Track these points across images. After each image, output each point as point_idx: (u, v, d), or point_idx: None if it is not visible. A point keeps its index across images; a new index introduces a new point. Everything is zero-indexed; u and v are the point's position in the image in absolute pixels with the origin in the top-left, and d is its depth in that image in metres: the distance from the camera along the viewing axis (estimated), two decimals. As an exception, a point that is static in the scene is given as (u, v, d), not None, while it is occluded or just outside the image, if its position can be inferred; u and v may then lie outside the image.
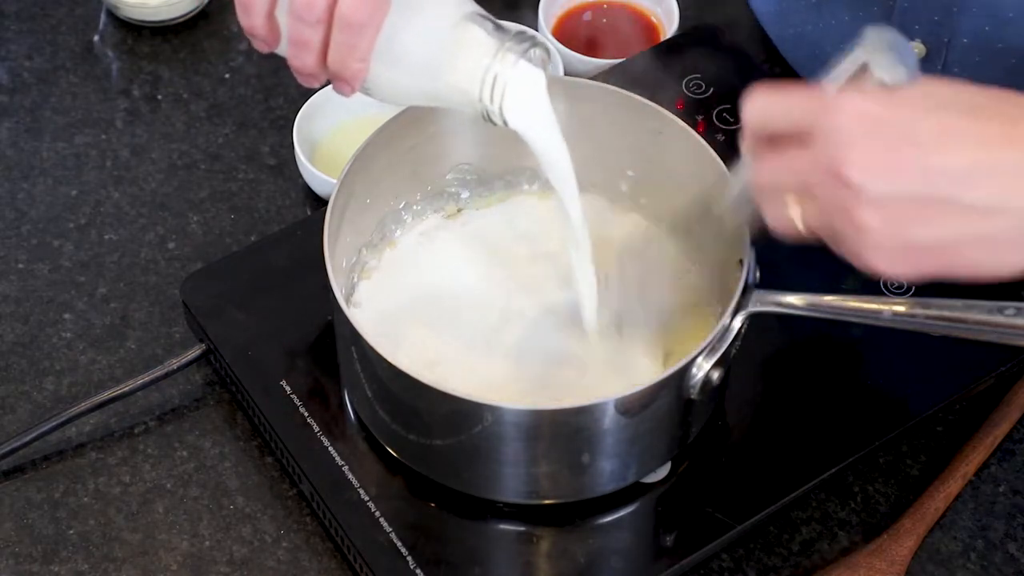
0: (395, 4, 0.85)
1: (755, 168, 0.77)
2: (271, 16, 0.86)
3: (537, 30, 1.21)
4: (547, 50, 0.90)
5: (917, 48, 1.02)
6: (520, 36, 0.88)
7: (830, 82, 0.76)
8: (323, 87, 1.14)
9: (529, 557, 0.96)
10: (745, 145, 0.79)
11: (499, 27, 0.88)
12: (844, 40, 1.07)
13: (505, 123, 0.89)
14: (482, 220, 1.05)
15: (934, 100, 0.72)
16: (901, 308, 0.86)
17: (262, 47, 0.88)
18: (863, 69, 0.75)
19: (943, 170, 0.70)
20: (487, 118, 0.89)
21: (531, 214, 1.05)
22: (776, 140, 0.76)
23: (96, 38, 1.26)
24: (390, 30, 0.86)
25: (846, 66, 0.76)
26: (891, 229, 0.71)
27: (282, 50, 0.89)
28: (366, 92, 0.89)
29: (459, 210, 1.06)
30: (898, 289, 1.03)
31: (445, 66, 0.87)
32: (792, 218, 0.75)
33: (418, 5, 0.87)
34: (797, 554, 0.98)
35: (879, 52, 0.75)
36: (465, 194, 1.06)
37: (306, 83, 0.88)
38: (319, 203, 1.15)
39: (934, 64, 1.04)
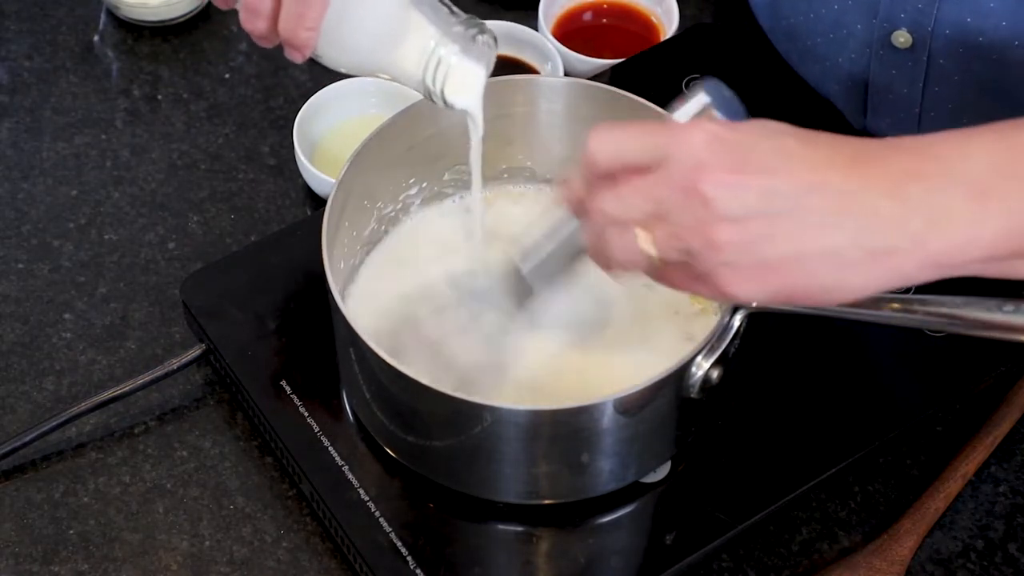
0: None
1: (598, 203, 0.78)
2: None
3: (537, 30, 1.21)
4: (494, 36, 0.91)
5: (903, 38, 1.03)
6: (468, 22, 0.90)
7: (674, 118, 0.81)
8: (323, 87, 1.15)
9: (529, 557, 0.96)
10: (571, 190, 0.80)
11: (451, 10, 0.90)
12: (834, 31, 1.08)
13: (445, 104, 0.91)
14: (482, 220, 1.05)
15: (769, 129, 0.76)
16: (900, 305, 0.86)
17: (220, 4, 0.93)
18: (705, 110, 0.81)
19: (785, 186, 0.74)
20: (428, 98, 0.91)
21: (529, 214, 1.05)
22: (613, 178, 0.78)
23: (96, 38, 1.26)
24: (340, 2, 0.87)
25: (690, 106, 0.81)
26: (743, 246, 0.74)
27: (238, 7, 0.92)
28: (317, 59, 0.92)
29: (458, 209, 1.06)
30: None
31: (392, 43, 0.90)
32: (642, 248, 0.77)
33: None
34: (797, 554, 0.98)
35: (717, 97, 0.81)
36: (463, 194, 1.06)
37: (261, 44, 0.92)
38: (319, 203, 1.15)
39: (919, 55, 1.04)
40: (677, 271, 0.77)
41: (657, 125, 0.78)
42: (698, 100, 0.81)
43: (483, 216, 1.00)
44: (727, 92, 0.81)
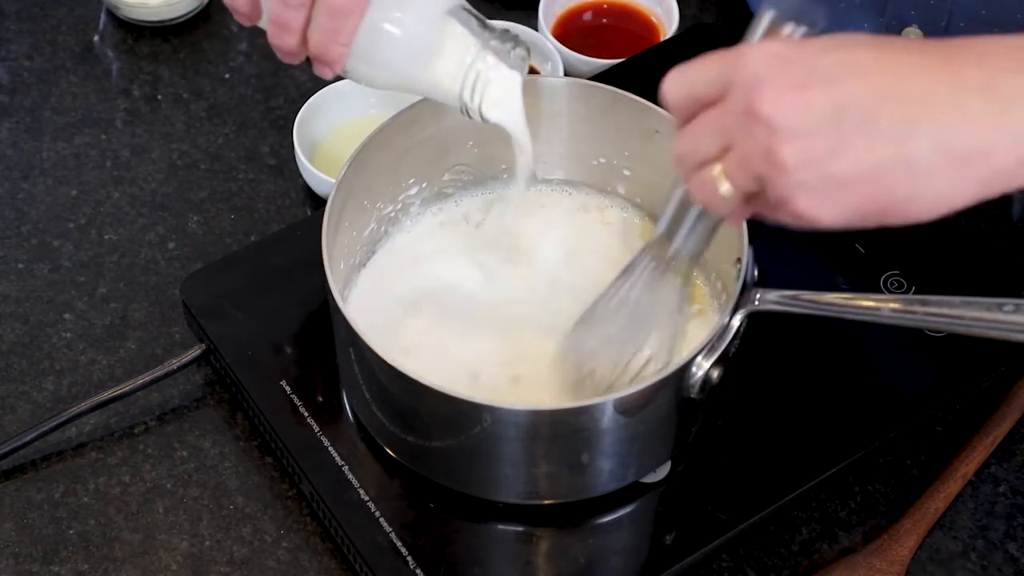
0: None
1: (676, 143, 0.77)
2: None
3: (537, 30, 1.21)
4: (527, 49, 0.91)
5: (913, 36, 1.02)
6: (503, 35, 0.89)
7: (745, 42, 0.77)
8: (323, 87, 1.15)
9: (529, 557, 0.96)
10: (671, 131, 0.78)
11: (483, 24, 0.89)
12: (840, 27, 1.08)
13: (483, 118, 0.91)
14: (480, 220, 1.05)
15: (840, 40, 0.72)
16: (900, 305, 0.86)
17: (243, 21, 0.90)
18: (775, 26, 0.77)
19: (853, 98, 0.70)
20: (465, 112, 0.91)
21: (530, 213, 1.05)
22: (696, 113, 0.76)
23: (96, 38, 1.26)
24: (374, 18, 0.87)
25: (759, 26, 0.77)
26: (811, 164, 0.71)
27: (264, 24, 0.90)
28: (345, 75, 0.91)
29: (457, 210, 1.06)
30: (897, 287, 1.04)
31: (426, 60, 0.88)
32: (718, 183, 0.75)
33: (390, 10, 0.87)
34: (797, 554, 0.98)
35: (786, 9, 0.76)
36: (463, 194, 1.06)
37: (286, 60, 0.90)
38: (319, 203, 1.15)
39: None
40: (759, 202, 0.74)
41: (720, 54, 0.75)
42: (765, 17, 0.77)
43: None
44: (801, 2, 0.77)
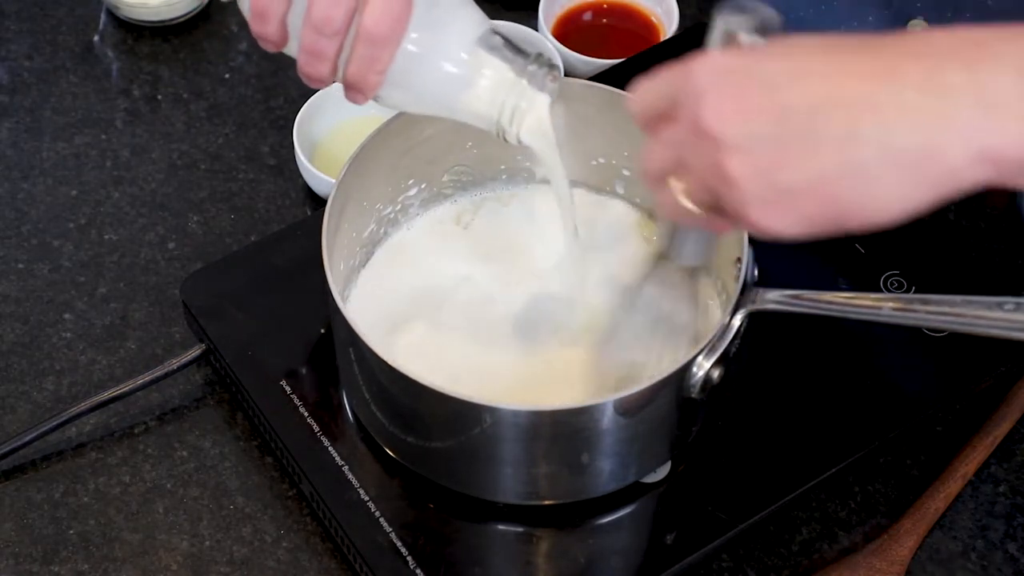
0: (413, 20, 0.85)
1: (642, 158, 0.76)
2: (283, 22, 0.87)
3: (537, 30, 1.21)
4: (560, 71, 0.91)
5: (920, 27, 1.01)
6: (539, 60, 0.89)
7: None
8: (323, 88, 1.15)
9: (529, 557, 0.96)
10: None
11: (517, 49, 0.89)
12: (845, 23, 1.07)
13: (519, 142, 0.91)
14: (480, 220, 1.05)
15: (787, 47, 0.71)
16: (900, 304, 0.86)
17: (269, 48, 0.89)
18: (730, 38, 0.75)
19: (794, 106, 0.69)
20: (502, 138, 0.91)
21: (528, 213, 1.05)
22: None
23: (96, 38, 1.26)
24: (408, 46, 0.86)
25: (714, 36, 0.76)
26: (758, 176, 0.70)
27: (290, 50, 0.89)
28: (376, 101, 0.90)
29: (456, 210, 1.06)
30: (897, 287, 1.04)
31: (461, 88, 0.89)
32: (679, 198, 0.74)
33: (437, 23, 0.87)
34: (797, 554, 0.98)
35: (739, 16, 0.75)
36: (462, 195, 1.06)
37: (313, 86, 0.90)
38: (319, 203, 1.15)
39: None
40: (719, 216, 0.74)
41: (673, 66, 0.75)
42: (718, 28, 0.76)
43: (572, 215, 0.97)
44: (756, 7, 0.75)
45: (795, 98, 0.69)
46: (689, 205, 0.75)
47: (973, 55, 0.67)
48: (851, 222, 0.70)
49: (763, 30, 0.75)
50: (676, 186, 0.74)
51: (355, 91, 0.88)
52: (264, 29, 0.87)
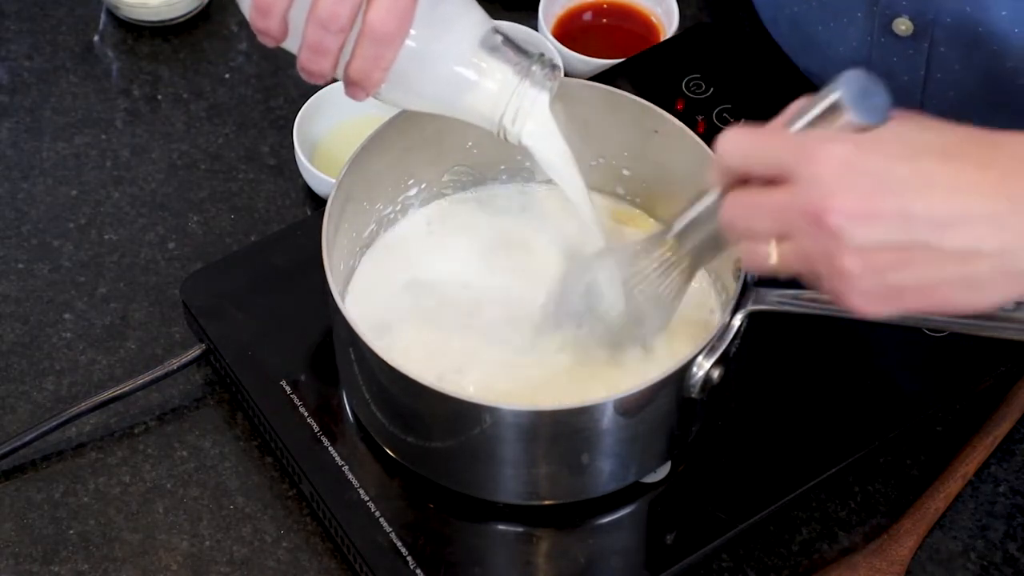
0: (417, 17, 0.85)
1: (729, 206, 0.78)
2: (285, 17, 0.87)
3: (537, 30, 1.21)
4: (560, 70, 0.91)
5: (904, 25, 1.02)
6: (542, 60, 0.89)
7: (798, 121, 0.77)
8: (323, 87, 1.15)
9: (529, 557, 0.96)
10: (716, 178, 0.80)
11: (519, 50, 0.89)
12: (835, 19, 1.08)
13: (519, 142, 0.91)
14: (480, 220, 1.05)
15: (907, 145, 0.74)
16: None
17: (269, 43, 0.89)
18: (834, 109, 0.76)
19: (922, 217, 0.72)
20: (503, 137, 0.91)
21: (529, 213, 1.05)
22: (744, 180, 0.77)
23: (96, 38, 1.26)
24: (411, 44, 0.86)
25: (818, 105, 0.77)
26: (873, 274, 0.73)
27: (289, 45, 0.89)
28: (377, 97, 0.90)
29: (456, 210, 1.06)
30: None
31: (465, 88, 0.89)
32: (769, 256, 0.77)
33: (441, 22, 0.87)
34: (797, 554, 0.98)
35: (854, 93, 0.76)
36: (462, 195, 1.06)
37: (312, 81, 0.89)
38: (319, 203, 1.15)
39: (920, 43, 1.04)
40: (808, 277, 0.76)
41: (784, 134, 0.77)
42: (826, 98, 0.76)
43: (594, 219, 0.97)
44: (867, 83, 0.76)
45: (921, 209, 0.72)
46: (776, 265, 0.76)
47: None
48: (942, 313, 0.75)
49: (875, 111, 0.76)
50: (772, 247, 0.76)
51: (357, 88, 0.88)
52: (265, 24, 0.87)
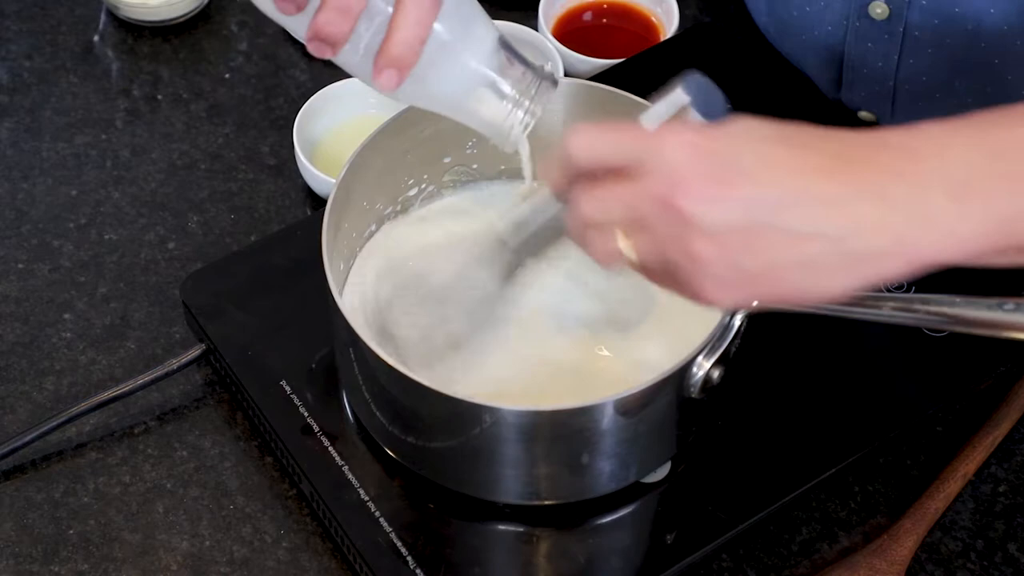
0: (443, 11, 0.85)
1: (579, 202, 0.78)
2: None
3: (537, 30, 1.21)
4: (559, 82, 0.92)
5: (880, 9, 1.04)
6: (546, 74, 0.89)
7: (649, 119, 0.80)
8: (323, 87, 1.15)
9: (529, 557, 0.96)
10: (559, 176, 0.80)
11: (526, 60, 0.89)
12: (811, 3, 1.09)
13: (515, 148, 0.92)
14: (481, 220, 1.05)
15: (756, 133, 0.75)
16: (900, 303, 0.86)
17: (291, 10, 0.86)
18: (682, 110, 0.79)
19: (765, 198, 0.73)
20: (500, 144, 0.91)
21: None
22: (593, 176, 0.78)
23: (96, 38, 1.26)
24: (441, 32, 0.86)
25: (665, 107, 0.79)
26: (724, 258, 0.74)
27: (295, 23, 0.86)
28: (399, 95, 0.89)
29: (456, 210, 1.06)
30: (897, 287, 1.04)
31: (479, 88, 0.89)
32: (621, 250, 0.77)
33: (465, 19, 0.87)
34: (797, 554, 0.98)
35: (696, 93, 0.79)
36: (463, 194, 1.06)
37: (319, 54, 0.86)
38: (319, 203, 1.15)
39: (896, 26, 1.05)
40: (657, 273, 0.77)
41: (634, 128, 0.78)
42: (672, 100, 0.80)
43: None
44: (708, 86, 0.80)
45: (767, 190, 0.73)
46: (632, 257, 0.77)
47: (912, 169, 0.74)
48: (786, 303, 0.77)
49: (718, 109, 0.79)
50: (622, 238, 0.77)
51: (393, 67, 0.85)
52: None
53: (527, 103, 0.89)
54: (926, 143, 0.75)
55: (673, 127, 0.77)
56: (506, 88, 0.89)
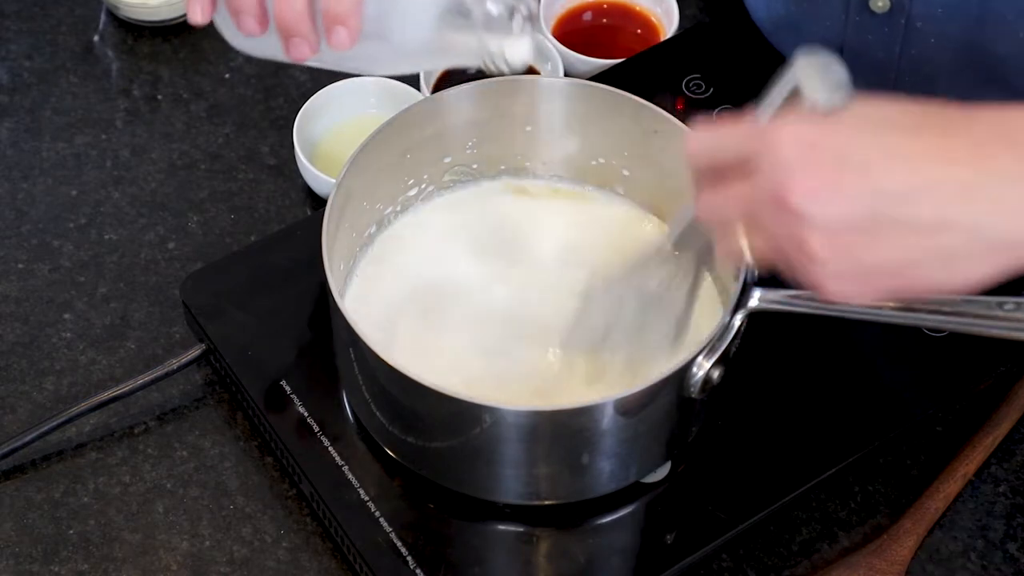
0: None
1: (698, 202, 0.77)
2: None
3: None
4: (529, 11, 0.89)
5: (881, 3, 1.02)
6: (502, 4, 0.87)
7: (764, 109, 0.76)
8: (323, 87, 1.15)
9: (529, 557, 0.96)
10: (692, 181, 0.79)
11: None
12: (823, 14, 1.08)
13: (507, 65, 0.89)
14: (481, 220, 1.05)
15: (870, 120, 0.72)
16: (900, 304, 0.86)
17: (254, 30, 0.86)
18: (795, 94, 0.74)
19: (885, 191, 0.70)
20: (488, 66, 0.89)
21: (528, 213, 1.05)
22: (721, 175, 0.76)
23: (96, 38, 1.26)
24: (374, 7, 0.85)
25: (779, 91, 0.75)
26: (843, 255, 0.71)
27: (268, 46, 0.86)
28: (351, 64, 0.87)
29: (456, 210, 1.06)
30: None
31: (444, 27, 0.86)
32: (742, 249, 0.75)
33: None
34: (797, 554, 0.98)
35: (811, 76, 0.74)
36: (463, 194, 1.06)
37: (293, 51, 0.85)
38: (319, 203, 1.15)
39: (897, 18, 1.05)
40: (783, 270, 0.75)
41: (746, 127, 0.75)
42: (785, 83, 0.74)
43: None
44: (825, 64, 0.74)
45: (887, 181, 0.69)
46: (749, 255, 0.75)
47: None
48: (922, 293, 0.73)
49: (836, 90, 0.73)
50: (741, 237, 0.75)
51: (339, 23, 0.83)
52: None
53: (491, 51, 0.86)
54: None
55: (785, 119, 0.73)
56: (459, 47, 0.86)
